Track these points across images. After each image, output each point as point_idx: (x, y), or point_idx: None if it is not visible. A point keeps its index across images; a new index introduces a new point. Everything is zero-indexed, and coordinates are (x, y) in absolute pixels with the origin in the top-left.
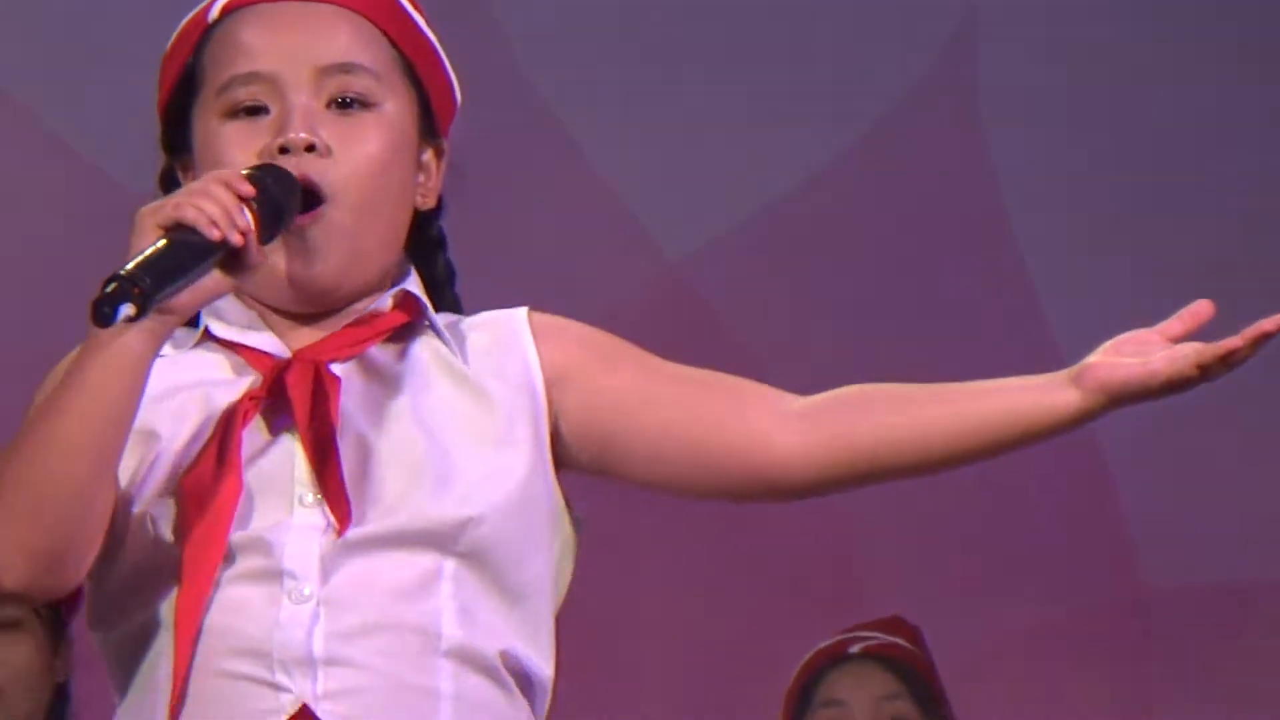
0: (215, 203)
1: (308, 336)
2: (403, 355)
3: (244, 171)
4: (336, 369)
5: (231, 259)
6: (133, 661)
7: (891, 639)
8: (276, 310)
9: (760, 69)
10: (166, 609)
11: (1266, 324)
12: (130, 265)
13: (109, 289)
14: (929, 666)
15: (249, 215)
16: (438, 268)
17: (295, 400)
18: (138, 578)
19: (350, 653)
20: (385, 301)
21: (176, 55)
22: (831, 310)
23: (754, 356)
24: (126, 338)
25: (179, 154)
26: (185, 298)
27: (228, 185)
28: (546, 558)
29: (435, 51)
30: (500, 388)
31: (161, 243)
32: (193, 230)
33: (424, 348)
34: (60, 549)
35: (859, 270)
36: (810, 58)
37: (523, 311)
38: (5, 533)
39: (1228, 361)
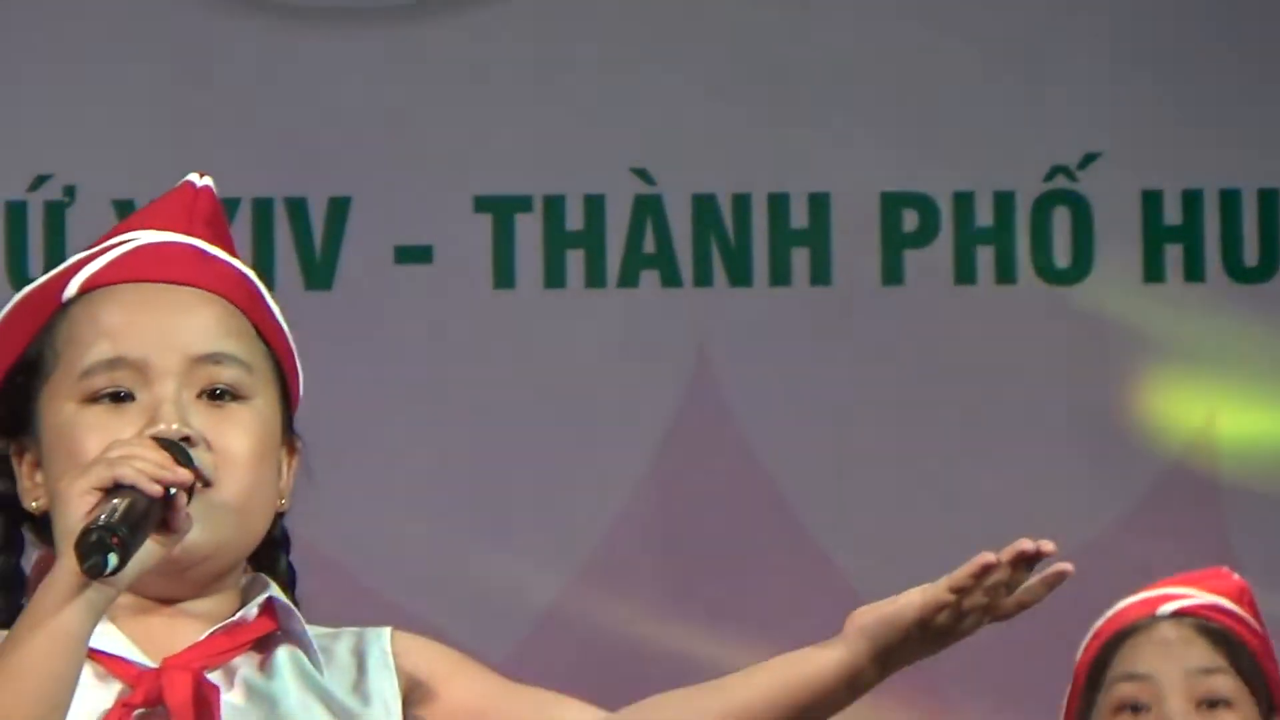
0: (148, 461)
1: (165, 642)
2: (265, 664)
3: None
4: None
5: (161, 524)
6: None
7: (1213, 599)
8: (123, 606)
9: None
10: None
11: (1024, 543)
12: (103, 519)
13: (93, 538)
14: (1259, 636)
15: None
16: (282, 569)
17: (175, 709)
18: None
19: None
20: (252, 610)
21: (19, 330)
22: None
23: None
24: (63, 616)
25: (15, 438)
26: (130, 566)
27: (148, 449)
28: None
29: (291, 346)
30: (359, 705)
31: (118, 500)
32: (131, 488)
33: (285, 656)
34: None
35: None
36: None
37: (387, 631)
38: None
39: (984, 582)
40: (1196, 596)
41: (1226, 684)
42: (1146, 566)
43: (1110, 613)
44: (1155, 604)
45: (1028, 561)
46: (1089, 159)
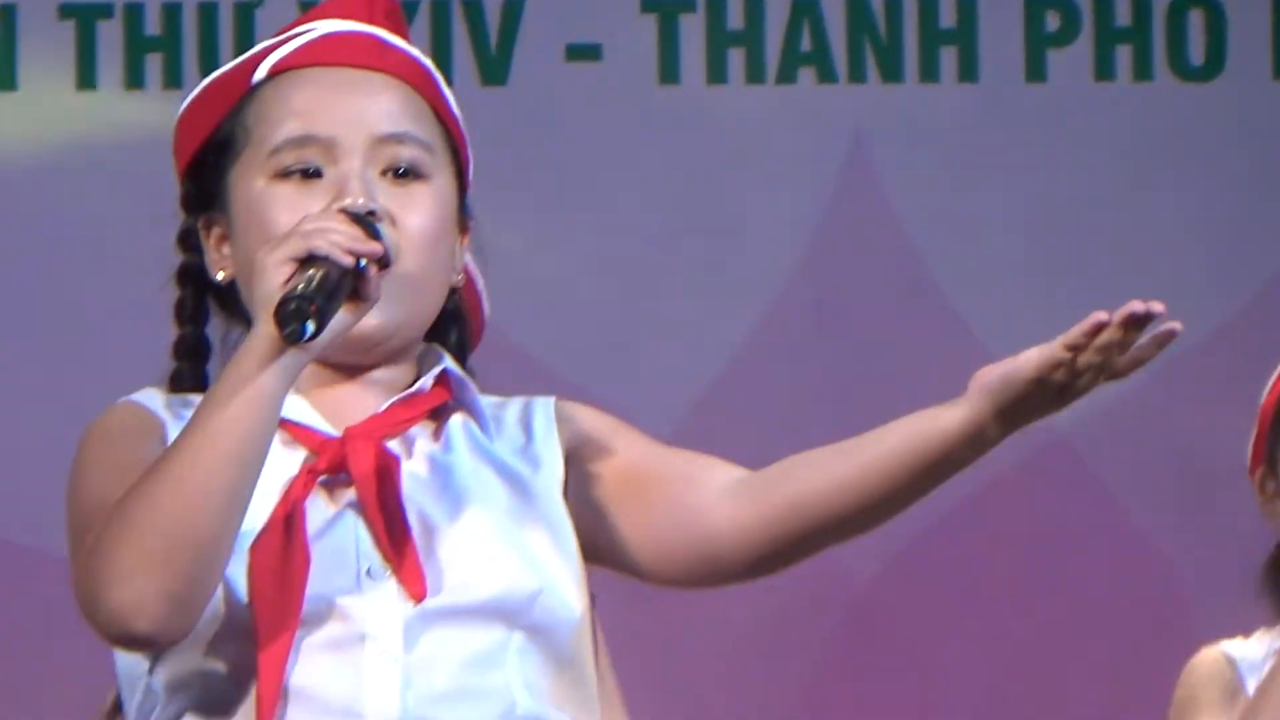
0: (340, 233)
1: (347, 412)
2: (439, 433)
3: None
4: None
5: (353, 293)
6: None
7: None
8: (307, 376)
9: None
10: (242, 670)
11: (1134, 304)
12: (302, 287)
13: (291, 307)
14: None
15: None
16: (454, 342)
17: (359, 477)
18: (209, 639)
19: (438, 714)
20: (428, 381)
21: (208, 112)
22: None
23: None
24: (260, 379)
25: (203, 214)
26: (324, 334)
27: (340, 222)
28: (585, 628)
29: (464, 131)
30: (530, 471)
31: (314, 270)
32: (324, 259)
33: (459, 425)
34: (193, 594)
35: None
36: None
37: (551, 400)
38: (142, 578)
39: (1100, 340)
40: None
41: None
42: (1264, 357)
43: None
44: None
45: (1139, 323)
46: None
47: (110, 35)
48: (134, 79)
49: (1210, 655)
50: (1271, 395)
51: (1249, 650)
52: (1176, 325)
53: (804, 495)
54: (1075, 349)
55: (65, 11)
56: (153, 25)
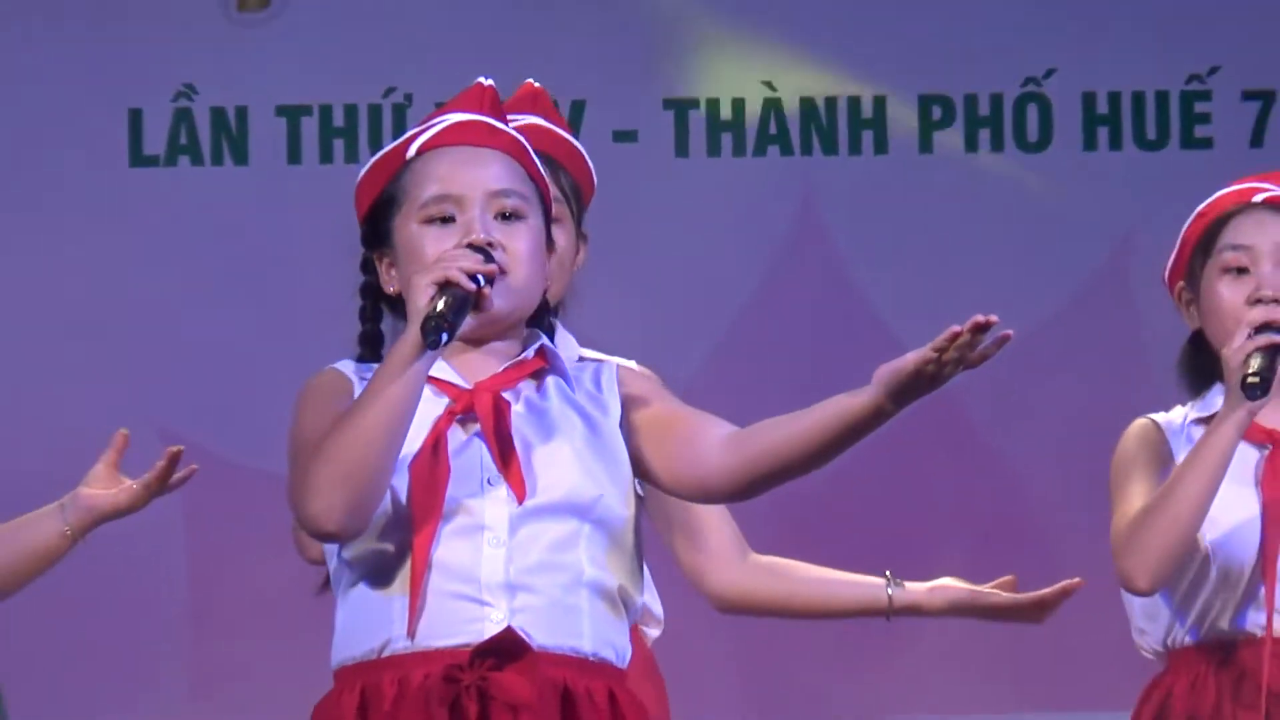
0: (467, 260)
1: (476, 371)
2: (539, 388)
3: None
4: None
5: (475, 306)
6: (370, 584)
7: None
8: (449, 346)
9: None
10: (401, 549)
11: (977, 317)
12: (440, 308)
13: (431, 324)
14: None
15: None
16: (547, 325)
17: (482, 416)
18: (380, 527)
19: (530, 581)
20: (530, 352)
21: (378, 178)
22: None
23: None
24: (419, 364)
25: (377, 248)
26: (454, 338)
27: (467, 253)
28: (632, 523)
29: (548, 185)
30: (599, 414)
31: (447, 297)
32: (456, 285)
33: (551, 382)
34: (364, 504)
35: None
36: None
37: (614, 365)
38: (332, 491)
39: (956, 343)
40: (1277, 189)
41: None
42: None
43: (1211, 199)
44: (1249, 194)
45: (982, 329)
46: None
47: (310, 127)
48: (325, 156)
49: (1140, 423)
50: (1193, 228)
51: (1172, 417)
52: (1009, 332)
53: (769, 446)
54: (940, 350)
55: (279, 111)
56: (338, 120)
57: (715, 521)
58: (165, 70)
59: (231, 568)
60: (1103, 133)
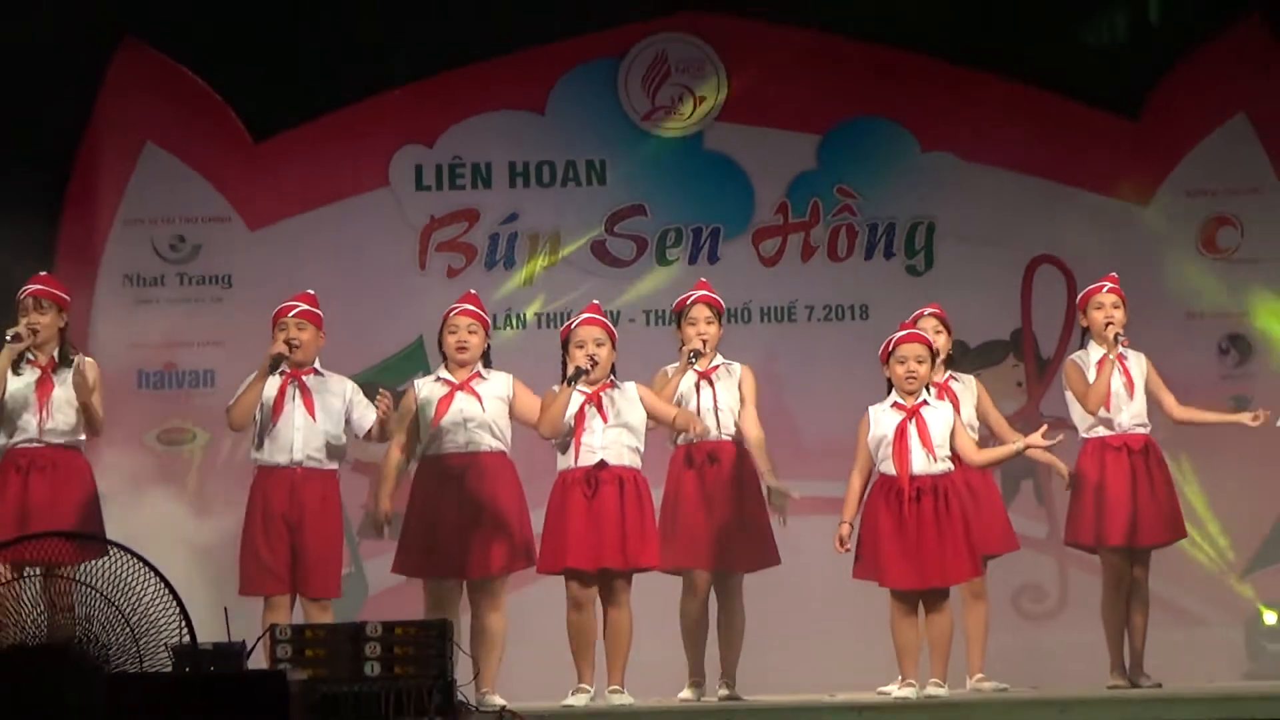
0: (584, 358)
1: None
2: (611, 388)
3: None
4: None
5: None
6: None
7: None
8: None
9: None
10: None
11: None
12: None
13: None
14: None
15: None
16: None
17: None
18: None
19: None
20: (606, 382)
21: (567, 335)
22: None
23: None
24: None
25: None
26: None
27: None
28: (639, 453)
29: (612, 329)
30: (627, 405)
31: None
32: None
33: (610, 390)
34: None
35: None
36: None
37: (633, 383)
38: None
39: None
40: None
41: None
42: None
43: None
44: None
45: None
46: None
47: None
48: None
49: (1069, 360)
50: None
51: (1092, 355)
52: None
53: None
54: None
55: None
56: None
57: None
58: None
59: None
60: None
